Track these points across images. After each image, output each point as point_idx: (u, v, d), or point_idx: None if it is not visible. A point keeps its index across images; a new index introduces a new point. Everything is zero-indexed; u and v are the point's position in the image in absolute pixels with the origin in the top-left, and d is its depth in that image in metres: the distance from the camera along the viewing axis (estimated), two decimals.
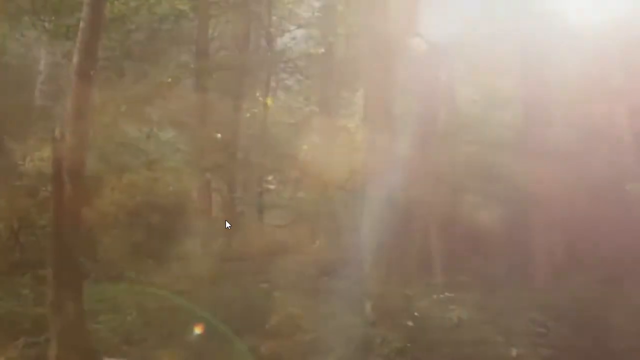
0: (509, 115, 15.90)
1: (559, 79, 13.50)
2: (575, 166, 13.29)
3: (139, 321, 9.12)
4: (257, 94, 14.93)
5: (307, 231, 15.43)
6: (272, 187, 15.95)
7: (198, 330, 8.73)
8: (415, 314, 7.87)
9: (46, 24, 13.02)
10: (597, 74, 14.07)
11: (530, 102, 12.41)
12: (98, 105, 13.21)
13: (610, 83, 13.81)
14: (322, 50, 16.10)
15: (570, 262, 11.33)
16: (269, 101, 14.39)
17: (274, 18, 15.62)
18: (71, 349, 7.93)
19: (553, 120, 12.87)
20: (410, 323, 7.74)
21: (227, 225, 13.72)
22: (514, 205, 13.56)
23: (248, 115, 14.61)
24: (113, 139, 14.02)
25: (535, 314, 8.25)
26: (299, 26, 16.65)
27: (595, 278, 10.05)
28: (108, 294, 10.07)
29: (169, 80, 14.34)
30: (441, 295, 8.26)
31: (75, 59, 8.83)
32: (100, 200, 13.87)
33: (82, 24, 8.83)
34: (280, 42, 17.49)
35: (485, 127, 15.62)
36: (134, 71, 14.39)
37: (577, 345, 8.23)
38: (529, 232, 11.97)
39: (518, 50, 12.74)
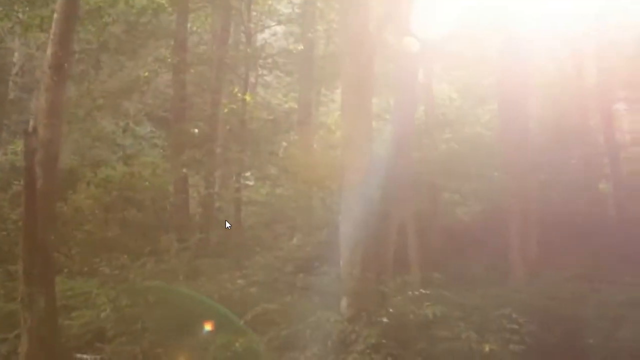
0: (487, 114, 16.13)
1: (535, 79, 13.69)
2: (550, 165, 13.51)
3: (113, 317, 9.01)
4: (236, 90, 14.83)
5: (285, 228, 15.43)
6: (250, 183, 15.90)
7: (172, 326, 8.67)
8: (391, 310, 7.88)
9: (20, 15, 12.78)
10: (573, 74, 14.32)
11: (507, 102, 12.53)
12: (73, 98, 13.05)
13: (585, 83, 14.06)
14: (302, 46, 16.07)
15: (544, 260, 11.48)
16: (248, 97, 14.31)
17: (253, 14, 15.54)
18: (42, 345, 7.83)
19: (529, 120, 13.03)
20: (385, 319, 7.73)
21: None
22: (491, 203, 13.73)
23: (226, 110, 14.51)
24: (89, 133, 13.85)
25: (508, 311, 8.32)
26: (279, 22, 16.60)
27: (567, 276, 10.21)
28: (81, 290, 9.95)
29: (146, 74, 14.19)
30: (416, 292, 8.27)
31: (49, 50, 8.70)
32: (76, 194, 13.73)
33: (56, 15, 8.70)
34: (261, 38, 17.44)
35: (463, 125, 15.81)
36: (110, 64, 14.22)
37: (547, 341, 8.37)
38: (505, 230, 12.11)
39: (495, 49, 12.86)
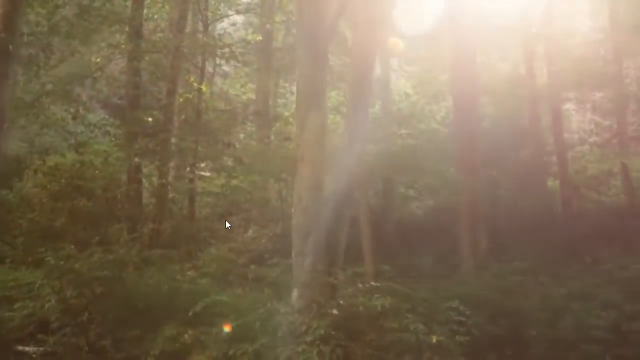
0: (442, 110, 16.42)
1: (487, 79, 14.01)
2: (500, 162, 13.86)
3: (58, 308, 8.76)
4: (192, 79, 14.60)
5: (240, 219, 15.34)
6: (205, 174, 15.71)
7: (119, 317, 8.51)
8: (341, 302, 7.91)
9: None
10: (524, 75, 14.70)
11: (460, 99, 12.78)
12: (21, 83, 12.60)
13: (536, 84, 14.46)
14: (260, 37, 15.95)
15: (493, 254, 11.78)
16: (204, 87, 14.10)
17: (212, 2, 15.31)
18: None
19: (481, 117, 13.32)
20: (335, 311, 7.76)
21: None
22: (443, 198, 14.00)
23: (182, 100, 14.27)
24: (37, 119, 13.38)
25: (456, 303, 8.49)
26: (237, 12, 16.41)
27: (513, 269, 10.50)
28: (25, 280, 9.64)
29: (99, 60, 13.82)
30: (367, 284, 8.34)
31: None
32: (22, 182, 13.29)
33: None
34: (220, 27, 17.20)
35: (419, 121, 16.05)
36: (62, 49, 13.77)
37: (493, 332, 8.60)
38: (455, 224, 12.35)
39: (449, 47, 13.06)
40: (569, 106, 16.59)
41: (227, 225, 13.84)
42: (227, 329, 7.73)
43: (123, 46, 13.92)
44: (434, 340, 7.67)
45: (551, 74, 13.98)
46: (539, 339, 8.66)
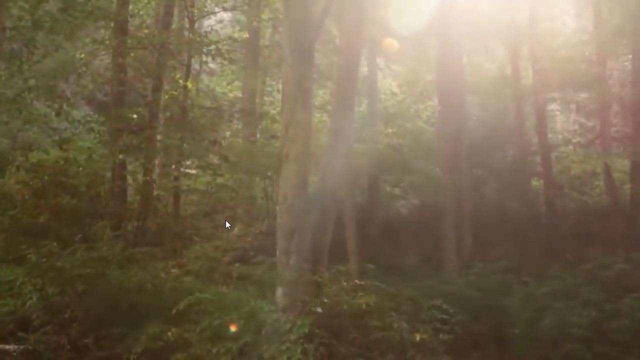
0: (428, 109, 16.50)
1: (473, 79, 14.10)
2: (485, 162, 13.97)
3: (40, 306, 8.65)
4: (178, 76, 14.52)
5: (225, 217, 15.31)
6: (191, 171, 15.64)
7: (102, 315, 8.44)
8: (325, 300, 7.92)
9: None
10: (510, 76, 14.82)
11: (445, 99, 12.86)
12: (3, 78, 12.46)
13: (521, 84, 14.58)
14: (247, 35, 15.90)
15: (477, 253, 11.89)
16: (190, 84, 14.03)
17: None
18: None
19: (466, 117, 13.41)
20: (319, 309, 7.76)
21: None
22: (428, 197, 14.08)
23: (167, 97, 14.19)
24: (19, 115, 13.23)
25: (440, 302, 8.53)
26: (224, 9, 16.35)
27: (497, 268, 10.60)
28: (6, 278, 9.52)
29: (83, 55, 13.69)
30: (351, 283, 8.35)
31: None
32: (4, 179, 13.15)
33: None
34: (207, 24, 17.12)
35: (405, 120, 16.12)
36: (45, 44, 13.62)
37: (475, 330, 8.68)
38: (440, 223, 12.44)
39: (436, 47, 13.13)
40: (554, 107, 16.77)
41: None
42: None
43: (108, 42, 13.80)
44: (418, 338, 7.69)
45: (536, 75, 14.11)
46: (521, 337, 8.76)
